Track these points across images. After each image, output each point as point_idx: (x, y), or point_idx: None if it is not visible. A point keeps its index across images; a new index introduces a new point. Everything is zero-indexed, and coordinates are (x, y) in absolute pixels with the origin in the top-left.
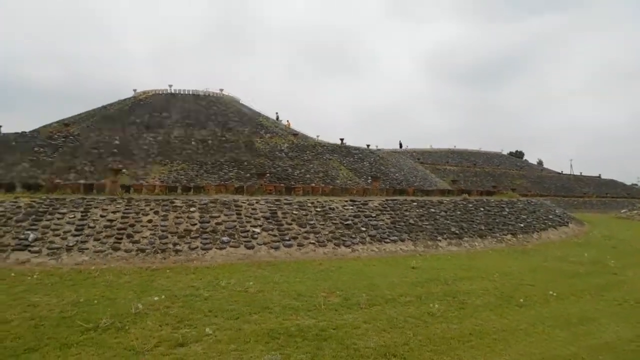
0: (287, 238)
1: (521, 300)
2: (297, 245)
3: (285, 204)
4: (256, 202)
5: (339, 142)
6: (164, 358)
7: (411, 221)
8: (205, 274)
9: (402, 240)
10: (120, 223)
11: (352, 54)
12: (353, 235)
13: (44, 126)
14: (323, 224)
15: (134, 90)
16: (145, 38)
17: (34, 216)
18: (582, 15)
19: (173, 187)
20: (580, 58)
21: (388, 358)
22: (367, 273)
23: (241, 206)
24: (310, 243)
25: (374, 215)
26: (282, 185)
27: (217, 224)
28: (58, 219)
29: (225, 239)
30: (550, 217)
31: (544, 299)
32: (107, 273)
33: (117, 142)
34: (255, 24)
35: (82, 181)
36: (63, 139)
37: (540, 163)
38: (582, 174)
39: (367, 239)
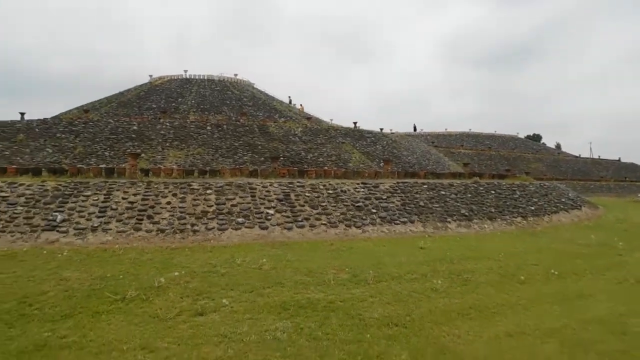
0: (299, 219)
1: (522, 278)
2: (310, 226)
3: (298, 186)
4: (270, 185)
5: (352, 126)
6: (185, 324)
7: (421, 203)
8: (221, 253)
9: (412, 222)
10: (141, 205)
11: (368, 40)
12: (364, 217)
13: (64, 112)
14: (335, 206)
15: (150, 76)
16: (161, 27)
17: (60, 199)
18: None
19: (190, 170)
20: (601, 41)
21: (390, 327)
22: (376, 253)
23: (255, 189)
24: (322, 224)
25: (384, 197)
26: (295, 168)
27: (232, 205)
28: (82, 201)
29: (240, 220)
30: (563, 200)
31: (545, 278)
32: (130, 251)
33: (134, 127)
34: (270, 12)
35: (103, 165)
36: (83, 125)
37: (558, 147)
38: (601, 157)
39: (378, 220)
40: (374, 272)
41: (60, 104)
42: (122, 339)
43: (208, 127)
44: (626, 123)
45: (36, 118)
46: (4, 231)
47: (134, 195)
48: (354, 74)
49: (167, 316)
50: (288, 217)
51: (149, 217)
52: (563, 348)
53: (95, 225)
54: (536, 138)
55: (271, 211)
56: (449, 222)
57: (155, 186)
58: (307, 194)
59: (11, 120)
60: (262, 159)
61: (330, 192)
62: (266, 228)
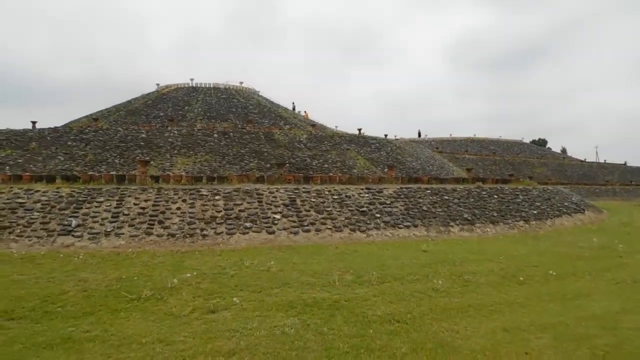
0: (305, 224)
1: (521, 278)
2: (315, 231)
3: (304, 192)
4: (276, 191)
5: (357, 132)
6: (199, 321)
7: (424, 208)
8: (230, 256)
9: (415, 226)
10: (152, 210)
11: (374, 44)
12: (368, 221)
13: (74, 121)
14: (339, 211)
15: (157, 84)
16: (168, 30)
17: (74, 204)
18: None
19: (198, 177)
20: (610, 44)
21: (392, 323)
22: (380, 255)
23: (262, 194)
24: (327, 228)
25: (388, 202)
26: (300, 174)
27: (240, 211)
28: (96, 207)
29: (248, 224)
30: (566, 204)
31: (544, 278)
32: (143, 255)
33: (143, 135)
34: (275, 14)
35: (114, 172)
36: (93, 133)
37: (563, 151)
38: (607, 161)
39: (382, 224)
40: (377, 273)
41: (63, 114)
42: (140, 333)
43: (215, 135)
44: (633, 127)
45: (46, 127)
46: (22, 236)
47: (145, 201)
48: (358, 80)
49: (182, 313)
50: (294, 221)
51: (160, 222)
52: (556, 342)
53: (109, 230)
54: (541, 143)
55: (278, 216)
56: (452, 226)
57: (166, 192)
58: (312, 199)
59: (23, 129)
60: (268, 165)
61: (335, 197)
62: (273, 232)
